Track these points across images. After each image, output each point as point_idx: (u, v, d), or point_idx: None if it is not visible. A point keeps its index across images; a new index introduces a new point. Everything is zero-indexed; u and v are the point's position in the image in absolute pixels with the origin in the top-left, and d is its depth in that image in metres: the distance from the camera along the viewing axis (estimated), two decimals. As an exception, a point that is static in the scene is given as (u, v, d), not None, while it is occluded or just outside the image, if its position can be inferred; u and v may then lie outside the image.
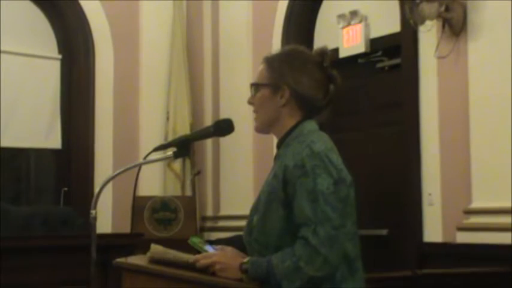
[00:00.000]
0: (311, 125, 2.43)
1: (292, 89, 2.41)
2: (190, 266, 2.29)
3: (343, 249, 2.22)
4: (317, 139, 2.34)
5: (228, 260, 2.30)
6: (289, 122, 2.43)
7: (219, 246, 2.48)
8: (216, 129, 2.61)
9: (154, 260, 2.37)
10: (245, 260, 2.28)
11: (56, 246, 4.94)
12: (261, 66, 2.50)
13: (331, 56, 2.49)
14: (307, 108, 2.43)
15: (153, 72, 6.67)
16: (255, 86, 2.49)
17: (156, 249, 2.39)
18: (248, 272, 2.25)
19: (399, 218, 5.00)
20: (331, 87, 2.45)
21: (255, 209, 2.40)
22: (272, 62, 2.47)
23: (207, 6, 6.78)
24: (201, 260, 2.30)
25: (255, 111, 2.49)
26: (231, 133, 2.63)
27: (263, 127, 2.49)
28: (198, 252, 2.40)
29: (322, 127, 2.47)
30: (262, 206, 2.35)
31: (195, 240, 2.44)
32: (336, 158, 2.31)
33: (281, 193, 2.29)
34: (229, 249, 2.45)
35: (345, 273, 2.28)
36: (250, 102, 2.51)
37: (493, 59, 4.39)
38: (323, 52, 2.47)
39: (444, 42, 4.64)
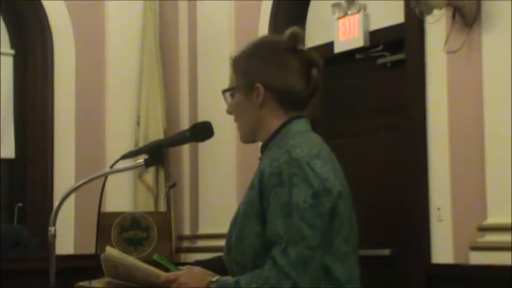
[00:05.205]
0: (299, 126, 2.40)
1: (266, 85, 2.39)
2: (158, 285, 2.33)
3: (330, 271, 2.23)
4: (299, 143, 2.30)
5: (194, 282, 2.32)
6: (274, 124, 2.41)
7: (185, 266, 2.49)
8: (193, 134, 2.60)
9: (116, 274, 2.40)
10: (214, 279, 2.31)
11: (8, 270, 4.90)
12: (230, 70, 2.50)
13: (303, 35, 2.45)
14: (290, 104, 2.40)
15: (122, 71, 6.65)
16: (229, 93, 2.49)
17: (111, 252, 2.41)
18: None
19: (404, 235, 5.00)
20: (314, 72, 2.41)
21: (233, 224, 2.39)
22: (238, 62, 2.47)
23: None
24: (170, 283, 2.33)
25: (235, 120, 2.49)
26: (210, 138, 2.62)
27: (246, 136, 2.49)
28: (165, 268, 2.43)
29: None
30: (240, 220, 2.34)
31: (160, 257, 2.47)
32: (320, 165, 2.27)
33: (257, 205, 2.28)
34: (196, 269, 2.44)
35: None
36: (229, 112, 2.51)
37: (510, 53, 4.38)
38: (294, 34, 2.43)
39: (455, 34, 4.64)
